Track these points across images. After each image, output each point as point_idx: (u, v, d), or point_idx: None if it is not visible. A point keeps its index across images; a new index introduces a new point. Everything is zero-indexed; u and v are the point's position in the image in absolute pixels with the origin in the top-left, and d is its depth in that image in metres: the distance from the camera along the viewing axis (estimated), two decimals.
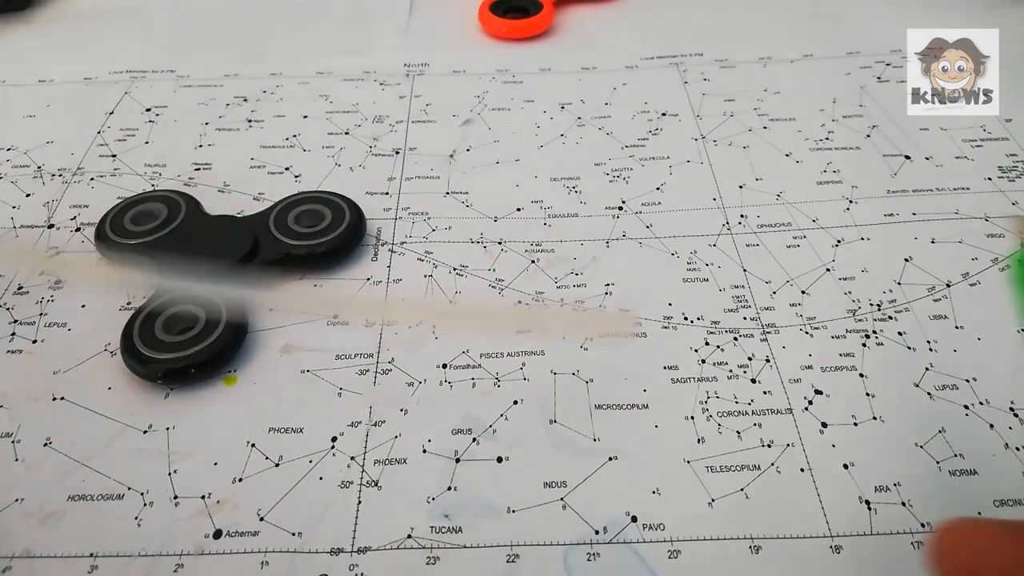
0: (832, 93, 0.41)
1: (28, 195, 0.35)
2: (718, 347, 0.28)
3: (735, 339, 0.28)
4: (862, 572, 0.22)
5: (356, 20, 0.48)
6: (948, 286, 0.30)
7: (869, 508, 0.24)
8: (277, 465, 0.25)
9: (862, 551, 0.23)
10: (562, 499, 0.24)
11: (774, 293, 0.30)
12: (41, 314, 0.30)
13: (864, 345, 0.28)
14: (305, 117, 0.40)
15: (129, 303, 0.30)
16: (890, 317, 0.29)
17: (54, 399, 0.27)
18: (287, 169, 0.36)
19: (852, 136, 0.38)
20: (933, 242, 0.32)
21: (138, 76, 0.43)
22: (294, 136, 0.38)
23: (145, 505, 0.24)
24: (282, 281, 0.31)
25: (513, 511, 0.24)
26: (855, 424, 0.26)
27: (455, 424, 0.26)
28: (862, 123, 0.39)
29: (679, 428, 0.26)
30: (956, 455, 0.25)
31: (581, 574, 0.22)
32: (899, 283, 0.30)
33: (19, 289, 0.31)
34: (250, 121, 0.40)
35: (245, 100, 0.41)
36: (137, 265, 0.31)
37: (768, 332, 0.29)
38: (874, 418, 0.26)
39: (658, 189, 0.35)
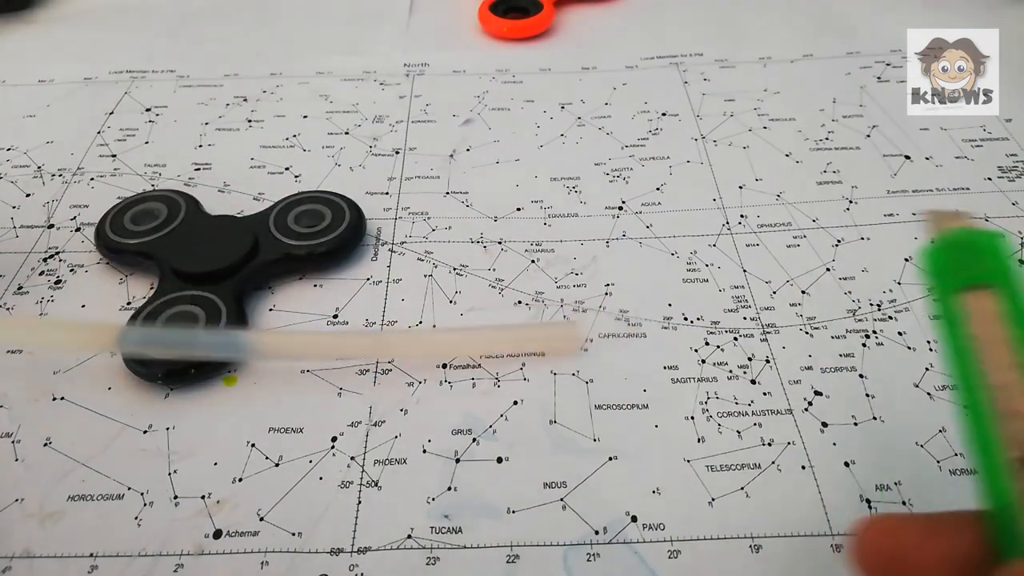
0: (832, 93, 0.41)
1: (28, 195, 0.35)
2: (718, 347, 0.28)
3: (735, 339, 0.28)
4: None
5: (356, 20, 0.48)
6: None
7: (870, 507, 0.24)
8: (277, 465, 0.25)
9: None
10: (562, 499, 0.24)
11: (774, 293, 0.30)
12: (41, 314, 0.30)
13: (864, 345, 0.28)
14: (305, 117, 0.40)
15: (129, 303, 0.30)
16: (890, 317, 0.29)
17: (54, 399, 0.27)
18: (287, 169, 0.36)
19: (852, 136, 0.38)
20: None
21: (138, 76, 0.43)
22: (294, 136, 0.38)
23: (145, 505, 0.24)
24: (281, 282, 0.31)
25: (513, 511, 0.24)
26: (855, 424, 0.26)
27: (455, 424, 0.26)
28: (862, 123, 0.39)
29: (679, 428, 0.26)
30: (956, 454, 0.25)
31: (581, 574, 0.22)
32: (899, 283, 0.30)
33: (19, 289, 0.31)
34: (250, 121, 0.40)
35: (245, 100, 0.41)
36: (137, 265, 0.31)
37: (768, 332, 0.29)
38: (874, 418, 0.26)
39: (658, 189, 0.35)
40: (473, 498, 0.24)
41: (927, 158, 0.36)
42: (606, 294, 0.30)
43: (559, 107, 0.40)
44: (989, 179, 0.35)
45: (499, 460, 0.25)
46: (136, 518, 0.24)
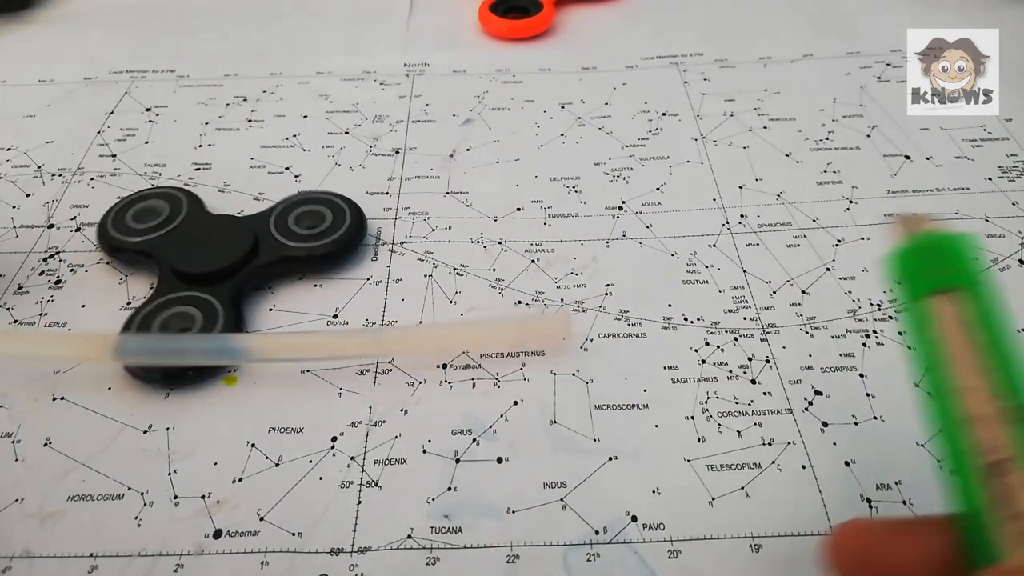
0: (832, 93, 0.41)
1: (28, 195, 0.35)
2: (718, 347, 0.28)
3: (735, 339, 0.28)
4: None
5: (356, 20, 0.48)
6: None
7: (870, 506, 0.24)
8: (277, 465, 0.25)
9: None
10: (562, 499, 0.24)
11: (774, 293, 0.30)
12: (41, 314, 0.30)
13: (864, 345, 0.28)
14: (305, 117, 0.40)
15: (129, 303, 0.30)
16: (890, 317, 0.29)
17: (54, 399, 0.27)
18: (287, 169, 0.36)
19: (852, 136, 0.38)
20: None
21: (138, 76, 0.43)
22: (294, 136, 0.38)
23: (145, 505, 0.24)
24: (281, 282, 0.31)
25: (513, 511, 0.24)
26: (855, 424, 0.26)
27: (455, 424, 0.26)
28: (862, 123, 0.39)
29: (679, 428, 0.26)
30: None
31: (581, 574, 0.22)
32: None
33: (19, 289, 0.31)
34: (250, 121, 0.40)
35: (245, 100, 0.41)
36: (138, 263, 0.31)
37: (768, 332, 0.29)
38: (874, 418, 0.26)
39: (658, 189, 0.35)
40: (473, 498, 0.24)
41: (927, 158, 0.36)
42: (606, 294, 0.30)
43: (559, 107, 0.40)
44: (989, 179, 0.35)
45: (499, 460, 0.25)
46: (136, 518, 0.24)
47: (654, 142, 0.38)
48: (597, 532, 0.23)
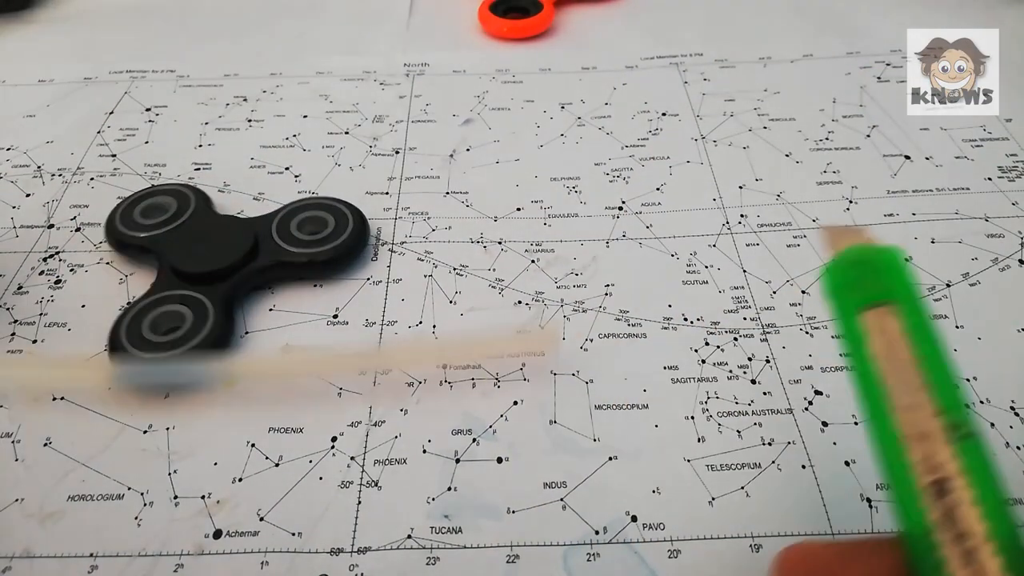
0: (832, 93, 0.41)
1: (28, 195, 0.35)
2: (718, 347, 0.28)
3: (735, 339, 0.28)
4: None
5: (356, 20, 0.48)
6: (948, 286, 0.30)
7: (871, 506, 0.24)
8: (277, 465, 0.25)
9: None
10: (562, 499, 0.24)
11: (774, 293, 0.30)
12: (41, 314, 0.30)
13: None
14: (305, 117, 0.40)
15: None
16: None
17: (54, 399, 0.27)
18: (287, 169, 0.36)
19: (852, 136, 0.38)
20: (933, 242, 0.32)
21: (138, 76, 0.43)
22: (294, 136, 0.38)
23: (145, 505, 0.24)
24: (282, 282, 0.31)
25: (513, 511, 0.24)
26: (856, 423, 0.26)
27: (455, 424, 0.26)
28: (862, 123, 0.39)
29: (679, 428, 0.26)
30: None
31: (581, 574, 0.22)
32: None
33: (19, 289, 0.31)
34: (250, 121, 0.40)
35: (245, 100, 0.41)
36: (143, 260, 0.31)
37: (768, 332, 0.29)
38: None
39: (658, 189, 0.35)
40: (473, 498, 0.24)
41: (927, 158, 0.36)
42: (606, 294, 0.30)
43: (559, 107, 0.40)
44: (989, 179, 0.35)
45: (499, 460, 0.25)
46: (136, 518, 0.24)
47: (654, 142, 0.38)
48: (597, 532, 0.23)
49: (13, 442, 0.26)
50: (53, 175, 0.36)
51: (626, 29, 0.47)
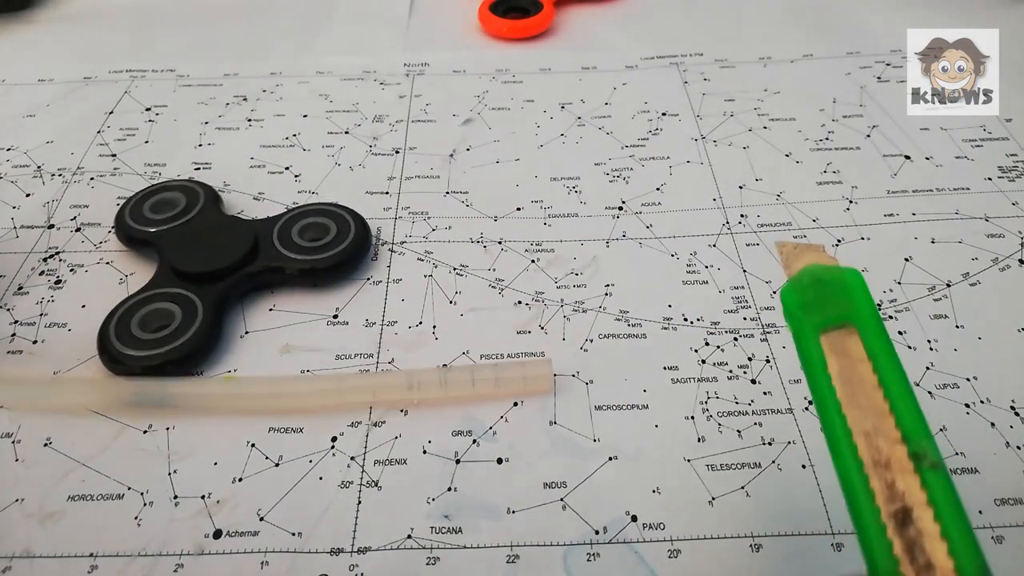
0: (832, 93, 0.41)
1: (28, 195, 0.35)
2: (718, 347, 0.28)
3: (735, 339, 0.28)
4: (864, 570, 0.22)
5: (356, 20, 0.48)
6: (948, 286, 0.30)
7: None
8: (277, 465, 0.25)
9: None
10: (562, 499, 0.24)
11: (774, 293, 0.30)
12: (41, 314, 0.30)
13: None
14: (305, 116, 0.40)
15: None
16: (891, 317, 0.29)
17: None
18: (287, 169, 0.36)
19: (852, 136, 0.38)
20: (933, 242, 0.32)
21: (138, 76, 0.43)
22: (294, 135, 0.38)
23: (145, 505, 0.24)
24: (281, 284, 0.31)
25: (513, 511, 0.24)
26: None
27: (455, 425, 0.26)
28: (862, 123, 0.39)
29: (679, 428, 0.26)
30: (957, 453, 0.25)
31: (581, 574, 0.22)
32: (899, 283, 0.30)
33: (19, 289, 0.31)
34: (250, 120, 0.40)
35: (245, 99, 0.41)
36: (149, 256, 0.31)
37: (768, 332, 0.29)
38: None
39: (658, 189, 0.35)
40: (473, 498, 0.24)
41: (927, 158, 0.36)
42: (606, 294, 0.30)
43: (559, 107, 0.40)
44: (989, 179, 0.35)
45: (499, 461, 0.25)
46: (136, 518, 0.24)
47: (654, 142, 0.38)
48: (597, 532, 0.23)
49: (13, 442, 0.26)
50: (53, 175, 0.36)
51: (626, 29, 0.47)
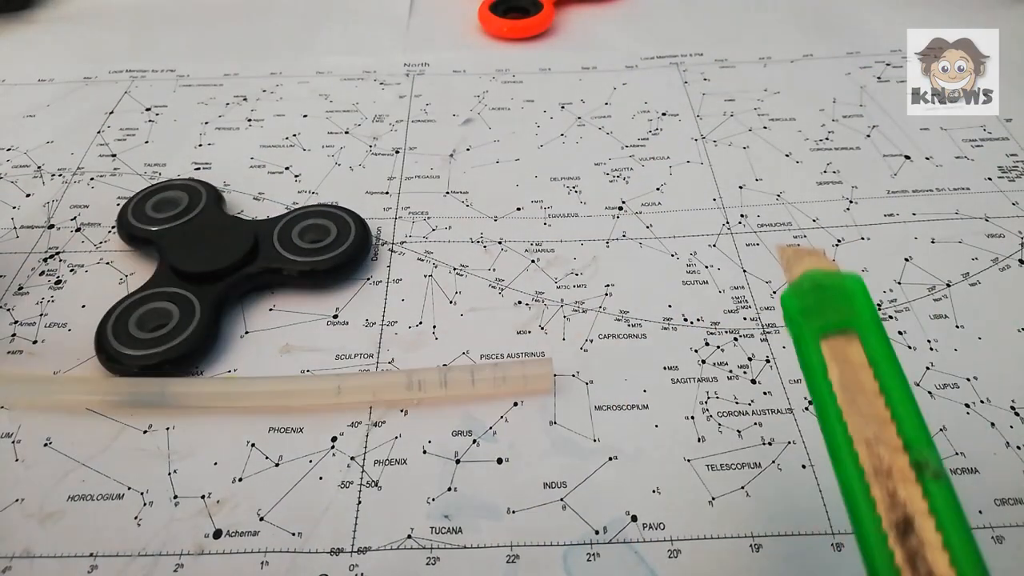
0: (832, 93, 0.41)
1: (28, 195, 0.35)
2: (718, 347, 0.28)
3: (735, 339, 0.28)
4: (864, 570, 0.22)
5: (356, 20, 0.48)
6: (948, 286, 0.30)
7: None
8: (277, 465, 0.25)
9: None
10: (562, 499, 0.24)
11: (774, 293, 0.30)
12: (41, 314, 0.30)
13: None
14: (305, 116, 0.40)
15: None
16: (890, 317, 0.29)
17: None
18: (287, 168, 0.36)
19: (852, 136, 0.38)
20: (933, 242, 0.32)
21: (138, 76, 0.43)
22: (294, 135, 0.38)
23: (145, 505, 0.24)
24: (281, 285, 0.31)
25: (513, 511, 0.24)
26: None
27: (455, 425, 0.26)
28: (862, 123, 0.39)
29: (679, 428, 0.26)
30: (957, 453, 0.25)
31: (581, 574, 0.22)
32: (899, 283, 0.30)
33: (19, 289, 0.31)
34: (250, 120, 0.40)
35: (245, 99, 0.41)
36: (151, 255, 0.31)
37: (768, 332, 0.29)
38: None
39: (658, 189, 0.35)
40: (473, 498, 0.24)
41: (927, 158, 0.36)
42: (606, 294, 0.30)
43: (559, 107, 0.40)
44: (989, 179, 0.35)
45: (499, 461, 0.25)
46: (136, 518, 0.24)
47: (654, 142, 0.38)
48: (597, 532, 0.23)
49: (13, 442, 0.26)
50: (53, 175, 0.36)
51: (626, 29, 0.47)
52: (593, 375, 0.27)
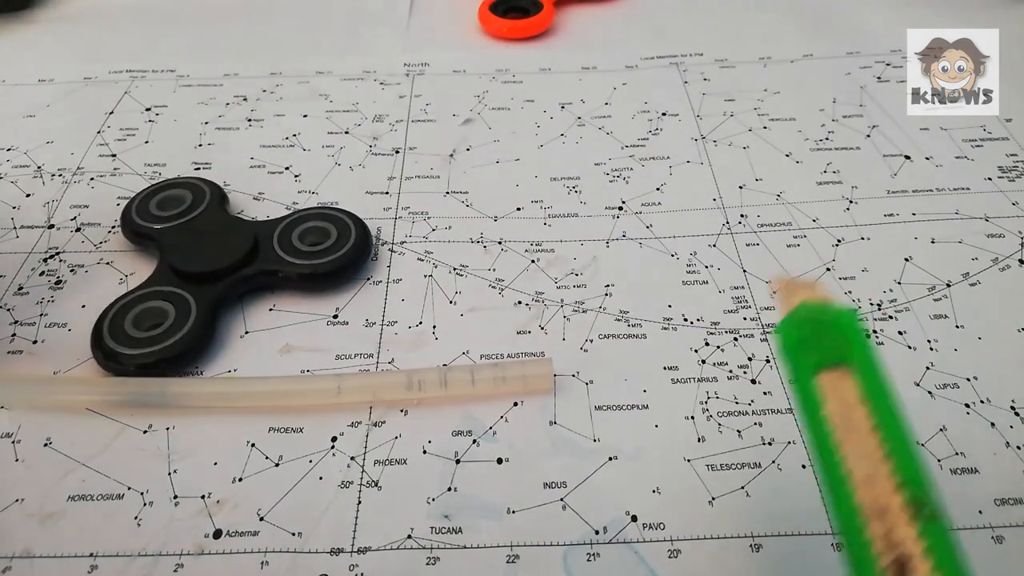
0: (832, 93, 0.41)
1: (28, 195, 0.35)
2: (718, 347, 0.28)
3: (735, 339, 0.28)
4: None
5: (356, 20, 0.48)
6: (948, 286, 0.30)
7: None
8: (277, 465, 0.25)
9: None
10: (562, 499, 0.24)
11: (774, 293, 0.30)
12: (41, 314, 0.30)
13: None
14: (305, 116, 0.40)
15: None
16: (890, 317, 0.29)
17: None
18: (287, 168, 0.36)
19: (852, 136, 0.38)
20: (933, 242, 0.32)
21: (138, 76, 0.43)
22: (294, 135, 0.38)
23: (145, 505, 0.24)
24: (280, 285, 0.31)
25: (513, 511, 0.24)
26: None
27: (455, 425, 0.26)
28: (862, 123, 0.39)
29: (679, 428, 0.26)
30: (957, 453, 0.25)
31: (581, 574, 0.22)
32: (899, 283, 0.30)
33: (19, 290, 0.31)
34: (250, 120, 0.40)
35: (245, 99, 0.41)
36: (153, 253, 0.31)
37: (768, 332, 0.29)
38: None
39: (658, 189, 0.35)
40: (473, 498, 0.24)
41: (927, 158, 0.36)
42: (606, 294, 0.30)
43: (559, 107, 0.40)
44: (989, 179, 0.35)
45: (499, 461, 0.25)
46: (136, 518, 0.24)
47: (654, 142, 0.38)
48: (597, 532, 0.23)
49: (13, 442, 0.26)
50: (53, 175, 0.36)
51: (626, 29, 0.47)
52: (593, 375, 0.27)
